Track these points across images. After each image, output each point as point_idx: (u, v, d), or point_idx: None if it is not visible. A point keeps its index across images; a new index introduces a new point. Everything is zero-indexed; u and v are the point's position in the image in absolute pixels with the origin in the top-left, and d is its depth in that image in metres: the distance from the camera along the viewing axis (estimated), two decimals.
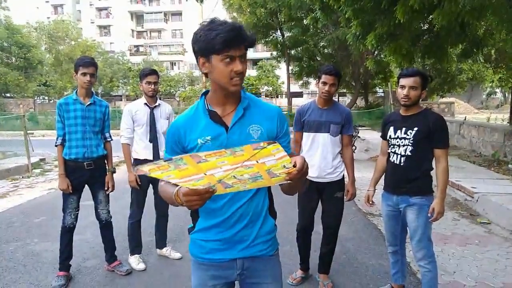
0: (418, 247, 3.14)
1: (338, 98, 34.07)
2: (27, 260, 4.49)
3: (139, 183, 4.19)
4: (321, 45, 25.94)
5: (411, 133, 3.07)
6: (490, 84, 38.72)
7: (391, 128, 3.24)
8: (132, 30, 66.38)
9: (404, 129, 3.12)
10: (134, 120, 4.26)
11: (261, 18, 23.85)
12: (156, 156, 4.26)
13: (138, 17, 67.12)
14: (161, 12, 65.66)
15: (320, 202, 3.73)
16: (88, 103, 3.88)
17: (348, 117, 3.61)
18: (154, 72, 4.26)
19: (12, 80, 37.09)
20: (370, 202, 3.54)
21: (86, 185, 4.01)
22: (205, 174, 1.25)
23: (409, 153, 3.09)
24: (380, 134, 3.54)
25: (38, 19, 44.07)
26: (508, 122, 13.59)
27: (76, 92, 3.89)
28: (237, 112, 1.68)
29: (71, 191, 3.83)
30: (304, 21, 20.98)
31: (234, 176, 1.28)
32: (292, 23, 22.79)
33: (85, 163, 3.86)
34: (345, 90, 33.07)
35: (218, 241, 1.75)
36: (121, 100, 52.62)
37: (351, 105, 28.23)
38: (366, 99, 29.55)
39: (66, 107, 3.81)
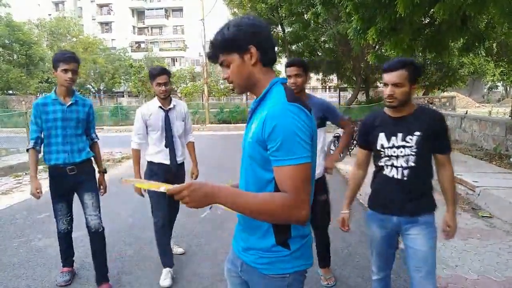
0: (426, 282, 2.48)
1: (339, 93, 33.98)
2: (31, 256, 4.53)
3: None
4: (322, 40, 25.93)
5: (412, 140, 2.46)
6: (492, 78, 38.65)
7: (381, 135, 2.58)
8: (133, 27, 66.22)
9: (400, 135, 2.50)
10: (148, 125, 3.93)
11: (262, 14, 23.77)
12: (173, 161, 3.99)
13: (139, 13, 66.98)
14: (162, 8, 65.53)
15: None
16: (69, 103, 3.51)
17: (327, 107, 3.59)
18: (163, 72, 3.85)
19: (14, 77, 37.10)
20: (346, 228, 2.91)
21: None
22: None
23: (413, 164, 2.48)
24: None
25: (39, 16, 44.10)
26: (509, 116, 13.55)
27: (55, 91, 3.52)
28: (252, 106, 1.67)
29: (40, 195, 3.49)
30: (305, 16, 20.97)
31: None
32: (293, 18, 22.75)
33: (67, 168, 3.53)
34: (346, 85, 33.06)
35: (235, 231, 1.79)
36: (123, 96, 52.71)
37: (352, 100, 28.20)
38: (367, 94, 29.47)
39: (44, 108, 3.46)
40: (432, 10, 7.55)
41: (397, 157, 2.52)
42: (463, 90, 39.21)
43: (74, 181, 3.57)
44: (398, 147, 2.51)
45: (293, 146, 1.40)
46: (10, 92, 41.10)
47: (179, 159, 4.06)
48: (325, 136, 3.69)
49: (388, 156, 2.56)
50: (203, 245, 4.78)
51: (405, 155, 2.49)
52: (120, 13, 63.18)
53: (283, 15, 23.44)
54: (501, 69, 26.32)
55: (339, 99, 33.35)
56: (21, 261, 4.41)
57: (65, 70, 3.35)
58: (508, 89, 47.63)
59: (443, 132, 2.50)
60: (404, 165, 2.50)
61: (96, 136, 3.88)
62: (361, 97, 31.13)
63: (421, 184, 2.55)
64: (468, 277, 3.82)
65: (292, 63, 3.44)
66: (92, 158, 3.81)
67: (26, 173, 9.49)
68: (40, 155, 3.59)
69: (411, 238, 2.54)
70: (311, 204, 1.46)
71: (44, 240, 5.02)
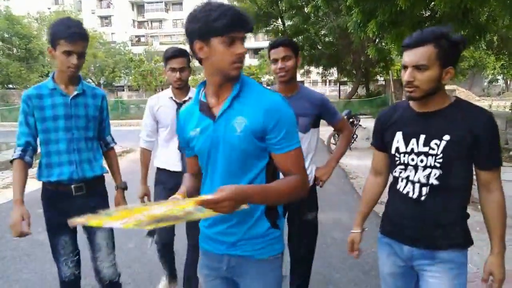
0: None
1: (339, 87, 33.96)
2: (32, 250, 4.54)
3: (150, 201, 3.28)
4: (322, 33, 25.88)
5: (437, 146, 1.73)
6: (492, 71, 38.64)
7: (398, 135, 1.86)
8: (133, 20, 65.98)
9: (423, 137, 1.77)
10: (157, 119, 3.18)
11: (262, 7, 23.74)
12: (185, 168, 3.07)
13: (139, 7, 66.76)
14: (162, 2, 65.30)
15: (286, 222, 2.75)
16: (75, 93, 2.44)
17: (323, 104, 2.81)
18: (180, 54, 2.97)
19: (14, 71, 37.13)
20: (355, 252, 2.26)
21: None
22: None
23: (436, 181, 1.76)
24: None
25: (38, 10, 44.03)
26: (510, 109, 13.55)
27: (53, 77, 2.46)
28: (226, 101, 1.56)
29: (29, 232, 2.46)
30: (305, 9, 20.94)
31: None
32: (293, 12, 22.72)
33: (72, 187, 2.52)
34: (346, 79, 33.05)
35: (212, 232, 1.72)
36: (123, 90, 52.78)
37: (352, 93, 28.22)
38: (367, 88, 29.50)
39: (38, 102, 2.40)
40: (433, 3, 7.54)
41: (415, 167, 1.80)
42: (463, 84, 39.20)
43: (80, 206, 2.40)
44: (418, 154, 1.79)
45: (293, 133, 1.56)
46: (10, 86, 41.15)
47: None
48: (318, 139, 2.95)
49: (403, 164, 1.85)
50: None
51: (426, 166, 1.77)
52: (120, 6, 62.92)
53: (283, 8, 23.41)
54: (501, 62, 26.32)
55: (339, 93, 33.34)
56: (22, 254, 4.43)
57: (68, 53, 2.26)
58: (508, 83, 47.58)
59: (489, 138, 1.70)
60: (423, 180, 1.79)
61: (113, 139, 2.87)
62: (361, 90, 31.17)
63: (448, 209, 1.83)
64: (468, 270, 3.82)
65: (279, 43, 2.63)
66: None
67: None
68: (33, 171, 2.63)
69: (428, 277, 1.86)
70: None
71: (44, 233, 4.95)
